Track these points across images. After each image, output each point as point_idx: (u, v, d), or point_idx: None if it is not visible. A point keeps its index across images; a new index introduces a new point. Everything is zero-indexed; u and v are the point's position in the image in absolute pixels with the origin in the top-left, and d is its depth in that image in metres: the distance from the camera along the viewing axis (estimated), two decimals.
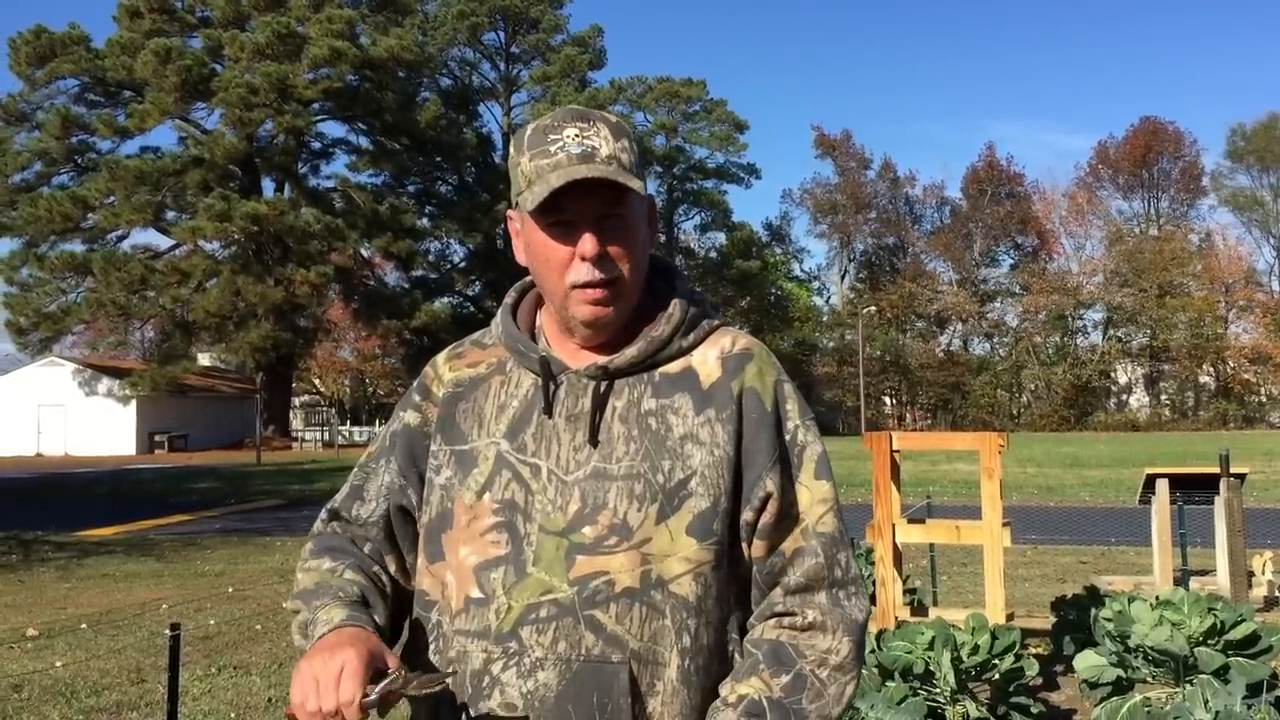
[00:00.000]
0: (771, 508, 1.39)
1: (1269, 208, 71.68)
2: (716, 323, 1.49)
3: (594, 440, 1.38)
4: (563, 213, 1.36)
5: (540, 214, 1.37)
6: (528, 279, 1.55)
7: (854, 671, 1.37)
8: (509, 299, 1.55)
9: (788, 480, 1.41)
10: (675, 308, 1.45)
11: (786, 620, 1.38)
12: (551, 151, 1.36)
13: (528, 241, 1.43)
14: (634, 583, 1.33)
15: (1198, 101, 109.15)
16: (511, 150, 1.43)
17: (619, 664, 1.31)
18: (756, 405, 1.41)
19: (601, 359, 1.42)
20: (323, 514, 1.55)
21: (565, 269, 1.38)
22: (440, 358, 1.56)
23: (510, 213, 1.49)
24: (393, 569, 1.50)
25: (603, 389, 1.41)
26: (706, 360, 1.44)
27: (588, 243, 1.35)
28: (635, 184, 1.36)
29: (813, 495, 1.42)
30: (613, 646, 1.31)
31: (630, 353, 1.42)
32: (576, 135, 1.37)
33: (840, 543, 1.42)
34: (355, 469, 1.56)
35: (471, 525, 1.39)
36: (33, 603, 9.56)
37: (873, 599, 6.04)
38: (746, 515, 1.39)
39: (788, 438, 1.43)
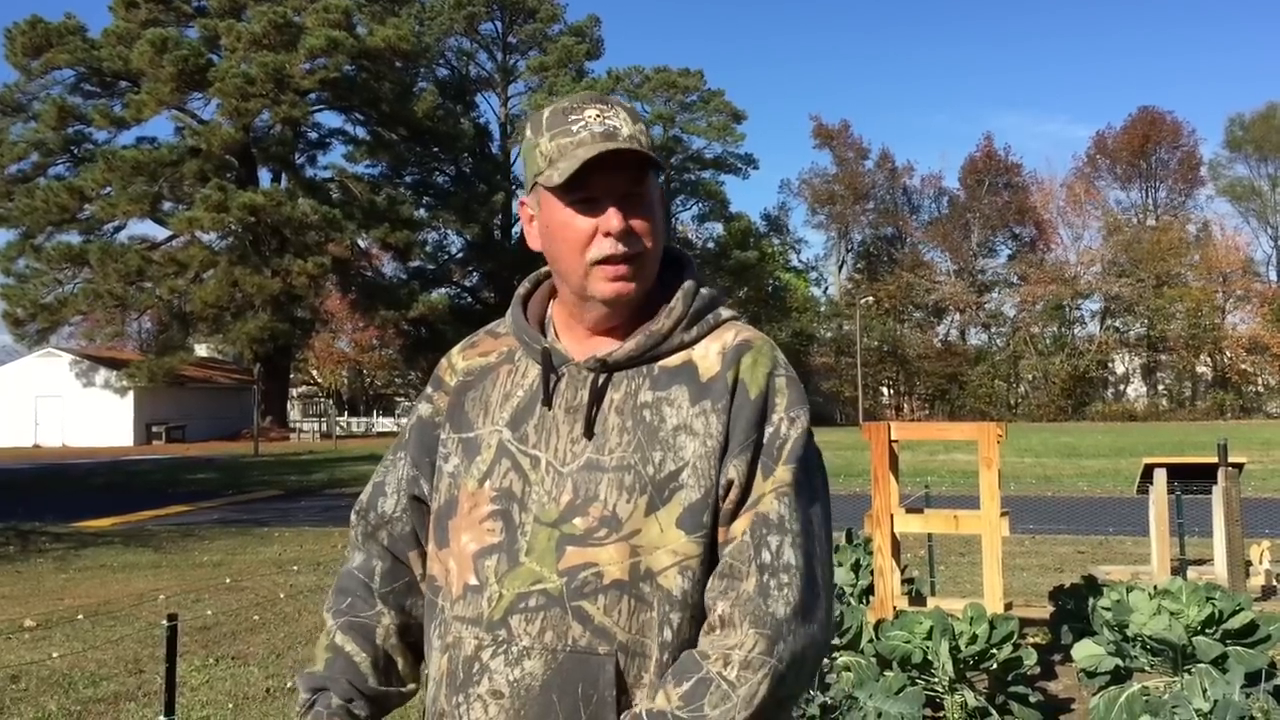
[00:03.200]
0: (733, 494, 1.36)
1: (1267, 198, 71.75)
2: (724, 317, 1.48)
3: (589, 432, 1.38)
4: (588, 189, 1.36)
5: (564, 190, 1.37)
6: (541, 270, 1.55)
7: (767, 669, 1.27)
8: (521, 289, 1.56)
9: (754, 468, 1.37)
10: (677, 302, 1.45)
11: (706, 622, 1.33)
12: (574, 130, 1.37)
13: (547, 221, 1.42)
14: (623, 575, 1.32)
15: (1196, 91, 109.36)
16: (528, 133, 1.43)
17: (605, 655, 1.31)
18: (742, 393, 1.39)
19: (602, 351, 1.42)
20: (353, 516, 1.61)
21: (587, 246, 1.38)
22: (455, 349, 1.59)
23: (524, 199, 1.49)
24: (417, 567, 1.55)
25: (601, 381, 1.41)
26: (708, 354, 1.43)
27: (614, 218, 1.36)
28: (661, 160, 1.38)
29: (772, 482, 1.37)
30: (600, 638, 1.31)
31: (629, 346, 1.42)
32: (597, 115, 1.38)
33: (777, 527, 1.34)
34: (379, 466, 1.62)
35: (473, 512, 1.41)
36: (30, 594, 9.56)
37: (871, 589, 6.04)
38: (723, 504, 1.37)
39: (770, 429, 1.39)
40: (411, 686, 1.55)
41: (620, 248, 1.36)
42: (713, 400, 1.38)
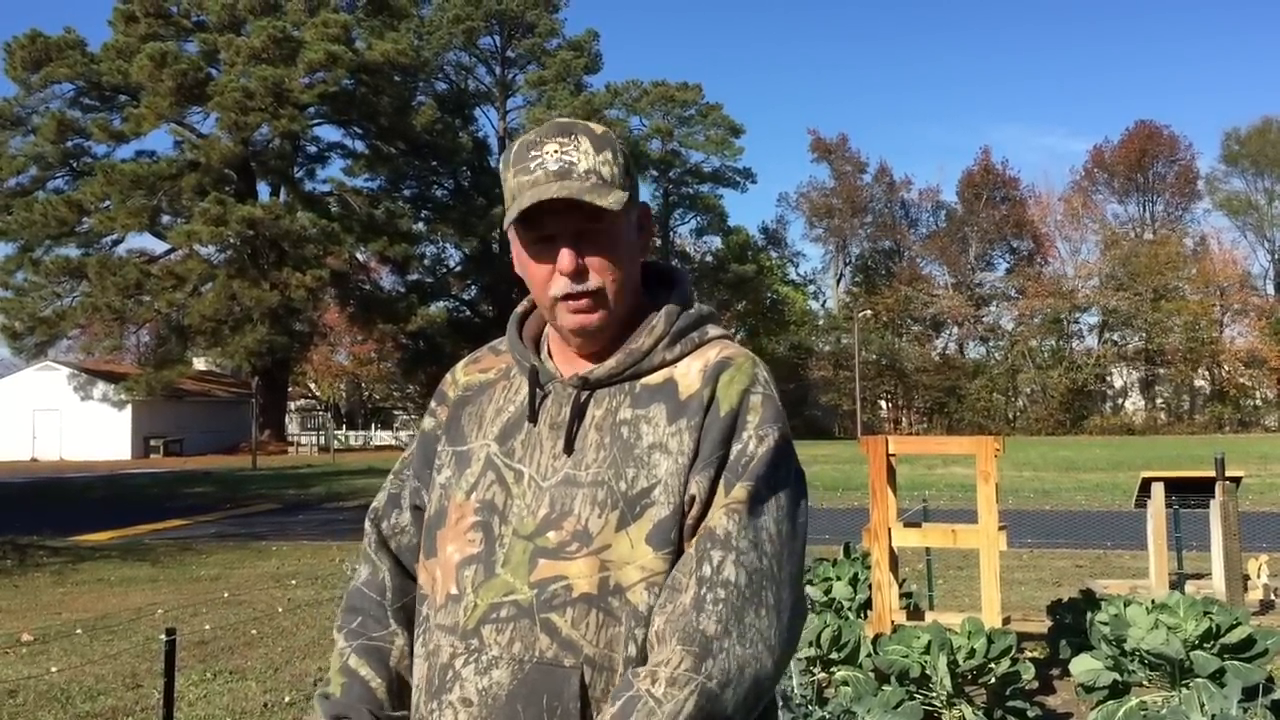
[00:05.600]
0: (695, 511, 1.36)
1: (1263, 211, 71.86)
2: (710, 335, 1.49)
3: (569, 448, 1.41)
4: (543, 228, 1.40)
5: (521, 230, 1.41)
6: None
7: (693, 685, 1.24)
8: (520, 307, 1.59)
9: (715, 484, 1.36)
10: (659, 320, 1.46)
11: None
12: (531, 169, 1.39)
13: (516, 253, 1.47)
14: (591, 589, 1.34)
15: (1192, 105, 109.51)
16: (501, 165, 1.46)
17: (571, 668, 1.32)
18: (714, 410, 1.39)
19: (584, 369, 1.45)
20: (367, 523, 1.65)
21: (548, 282, 1.41)
22: (459, 364, 1.63)
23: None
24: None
25: (583, 399, 1.43)
26: (689, 372, 1.44)
27: (564, 258, 1.39)
28: (609, 199, 1.37)
29: (728, 499, 1.35)
30: (567, 651, 1.32)
31: (609, 364, 1.44)
32: (556, 150, 1.39)
33: (721, 543, 1.32)
34: (391, 476, 1.66)
35: (459, 524, 1.44)
36: (28, 608, 9.55)
37: (869, 603, 6.04)
38: (687, 520, 1.37)
39: (739, 446, 1.38)
40: None
41: (574, 286, 1.39)
42: (688, 418, 1.39)
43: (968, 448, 6.01)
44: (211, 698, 6.22)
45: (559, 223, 1.38)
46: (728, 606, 1.29)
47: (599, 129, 1.44)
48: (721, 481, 1.36)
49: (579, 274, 1.39)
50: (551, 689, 1.31)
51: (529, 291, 1.59)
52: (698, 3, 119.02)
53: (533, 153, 1.40)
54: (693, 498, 1.35)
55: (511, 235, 1.47)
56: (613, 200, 1.38)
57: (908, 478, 19.60)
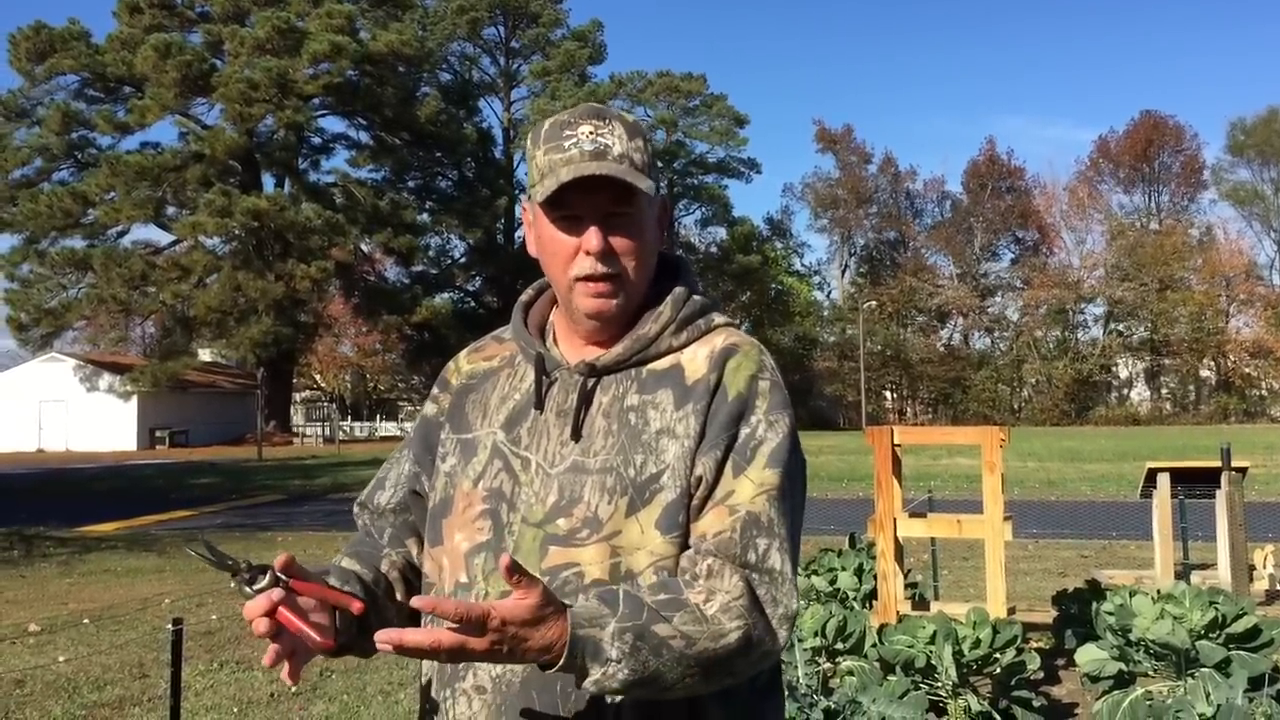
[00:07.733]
0: (701, 491, 1.37)
1: (1269, 202, 71.70)
2: (716, 323, 1.50)
3: (576, 435, 1.41)
4: (571, 207, 1.39)
5: (550, 207, 1.40)
6: (544, 279, 1.57)
7: (744, 624, 1.27)
8: (524, 296, 1.60)
9: (723, 465, 1.37)
10: (666, 307, 1.47)
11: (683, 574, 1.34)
12: (565, 147, 1.39)
13: (538, 233, 1.46)
14: (603, 575, 1.34)
15: (1198, 95, 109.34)
16: (528, 143, 1.47)
17: None
18: (721, 395, 1.40)
19: (591, 356, 1.45)
20: (355, 507, 1.64)
21: (570, 262, 1.41)
22: (462, 353, 1.63)
23: (524, 203, 1.53)
24: (415, 551, 1.56)
25: (590, 385, 1.43)
26: (695, 358, 1.45)
27: (592, 238, 1.38)
28: (644, 183, 1.39)
29: (755, 485, 1.36)
30: None
31: (616, 350, 1.44)
32: (591, 132, 1.40)
33: (766, 530, 1.34)
34: (385, 463, 1.65)
35: (466, 512, 1.44)
36: (35, 598, 9.57)
37: (874, 593, 6.05)
38: (693, 501, 1.38)
39: (746, 430, 1.39)
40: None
41: (599, 267, 1.39)
42: (694, 402, 1.40)
43: (973, 438, 6.00)
44: (218, 688, 6.24)
45: (588, 203, 1.38)
46: (776, 603, 1.33)
47: (630, 118, 1.45)
48: (729, 463, 1.37)
49: (604, 255, 1.39)
50: (565, 676, 1.30)
51: (533, 282, 1.61)
52: None
53: (566, 132, 1.40)
54: (699, 478, 1.37)
55: (532, 213, 1.47)
56: (646, 185, 1.39)
57: (913, 468, 19.59)
